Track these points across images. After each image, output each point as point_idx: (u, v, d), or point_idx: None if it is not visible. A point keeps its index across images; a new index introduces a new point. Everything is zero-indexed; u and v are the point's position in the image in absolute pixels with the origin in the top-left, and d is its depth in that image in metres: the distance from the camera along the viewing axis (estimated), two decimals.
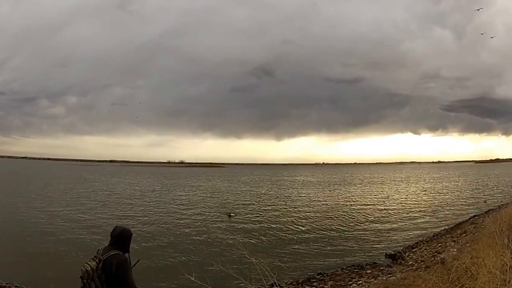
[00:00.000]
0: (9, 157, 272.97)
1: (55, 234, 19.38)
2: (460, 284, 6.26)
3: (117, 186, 53.78)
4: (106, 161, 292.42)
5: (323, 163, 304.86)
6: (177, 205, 31.30)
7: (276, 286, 7.86)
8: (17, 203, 30.06)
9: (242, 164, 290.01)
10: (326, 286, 11.48)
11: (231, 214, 24.45)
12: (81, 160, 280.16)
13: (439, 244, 15.73)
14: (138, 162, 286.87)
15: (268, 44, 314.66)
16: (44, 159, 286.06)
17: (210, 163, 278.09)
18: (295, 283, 11.98)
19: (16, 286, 11.84)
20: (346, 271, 13.16)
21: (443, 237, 17.73)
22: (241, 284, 10.24)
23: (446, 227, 20.49)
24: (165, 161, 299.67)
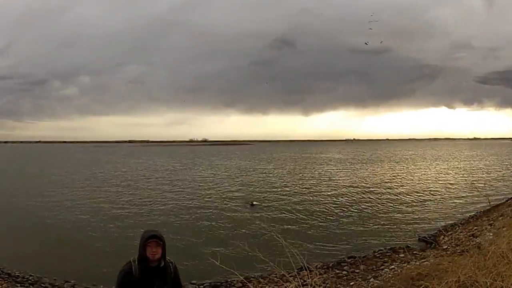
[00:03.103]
0: (21, 142, 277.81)
1: (67, 221, 19.66)
2: (497, 271, 6.33)
3: (134, 168, 54.58)
4: (125, 141, 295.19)
5: (354, 139, 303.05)
6: (196, 188, 31.22)
7: (306, 270, 8.12)
8: (27, 190, 30.56)
9: (269, 141, 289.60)
10: (358, 271, 11.63)
11: (254, 203, 23.40)
12: (98, 142, 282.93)
13: (475, 227, 15.66)
14: (158, 141, 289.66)
15: (285, 14, 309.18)
16: (59, 142, 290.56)
17: (235, 140, 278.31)
18: (325, 267, 12.15)
19: (30, 275, 12.02)
20: (378, 255, 13.27)
21: (479, 219, 17.61)
22: (268, 269, 10.65)
23: (482, 209, 20.36)
24: (187, 139, 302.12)
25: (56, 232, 17.38)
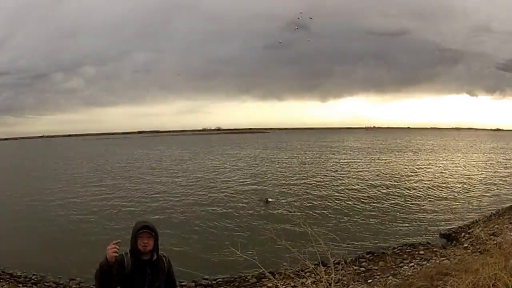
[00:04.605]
0: (23, 138, 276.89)
1: (70, 218, 19.81)
2: None
3: (142, 159, 55.17)
4: (134, 132, 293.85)
5: (374, 127, 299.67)
6: (205, 181, 30.79)
7: (321, 266, 8.29)
8: (27, 187, 30.51)
9: (285, 128, 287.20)
10: (376, 267, 11.82)
11: (269, 200, 22.63)
12: (106, 134, 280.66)
13: (496, 225, 15.68)
14: (169, 131, 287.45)
15: None
16: (64, 136, 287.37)
17: (250, 128, 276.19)
18: (342, 262, 12.32)
19: (33, 274, 12.11)
20: (397, 251, 13.43)
21: (501, 217, 17.65)
22: (285, 263, 10.87)
23: (504, 206, 20.32)
24: (200, 128, 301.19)
25: (59, 230, 17.58)
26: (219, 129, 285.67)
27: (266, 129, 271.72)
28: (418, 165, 41.47)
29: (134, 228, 4.53)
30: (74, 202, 23.59)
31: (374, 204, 21.74)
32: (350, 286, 10.05)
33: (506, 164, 43.57)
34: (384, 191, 25.40)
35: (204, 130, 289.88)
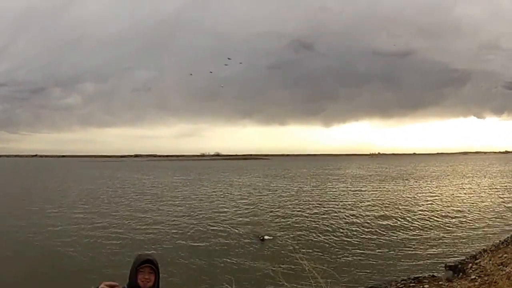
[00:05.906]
0: (16, 156, 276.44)
1: (56, 246, 19.59)
2: None
3: (134, 185, 55.29)
4: (131, 155, 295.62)
5: (379, 154, 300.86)
6: (196, 212, 30.24)
7: None
8: (13, 211, 30.34)
9: (287, 155, 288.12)
10: None
11: (265, 237, 21.45)
12: (101, 156, 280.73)
13: (505, 255, 15.43)
14: (167, 156, 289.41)
15: (303, 13, 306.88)
16: (58, 156, 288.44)
17: (250, 155, 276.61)
18: None
19: None
20: (400, 286, 13.21)
21: (509, 246, 17.29)
22: None
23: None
24: (198, 154, 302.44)
25: (42, 258, 17.39)
26: (218, 155, 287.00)
27: (266, 155, 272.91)
28: (421, 193, 41.42)
29: (135, 260, 4.27)
30: (59, 229, 23.45)
31: (376, 236, 21.52)
32: None
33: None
34: (386, 221, 25.21)
35: (202, 155, 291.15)
